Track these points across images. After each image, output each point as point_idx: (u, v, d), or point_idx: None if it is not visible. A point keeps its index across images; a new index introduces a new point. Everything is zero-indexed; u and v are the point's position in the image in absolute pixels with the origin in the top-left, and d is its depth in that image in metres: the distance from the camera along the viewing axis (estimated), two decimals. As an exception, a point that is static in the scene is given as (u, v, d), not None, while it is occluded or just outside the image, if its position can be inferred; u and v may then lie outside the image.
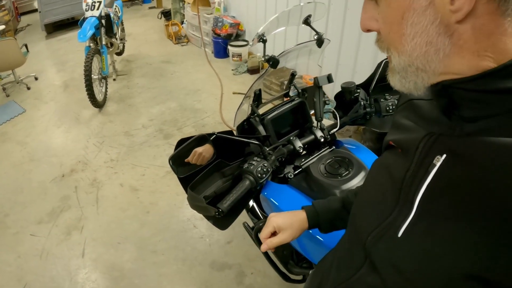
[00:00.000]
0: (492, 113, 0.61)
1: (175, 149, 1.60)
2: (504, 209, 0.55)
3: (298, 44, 2.18)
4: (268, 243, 1.18)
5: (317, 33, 2.03)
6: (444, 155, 0.67)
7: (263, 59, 2.01)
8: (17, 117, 5.17)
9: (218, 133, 1.58)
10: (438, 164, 0.67)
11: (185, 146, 1.57)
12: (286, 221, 1.20)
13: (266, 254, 2.09)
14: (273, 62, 1.92)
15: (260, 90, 1.96)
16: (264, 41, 1.98)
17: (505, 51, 0.58)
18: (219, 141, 1.59)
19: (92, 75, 4.80)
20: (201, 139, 1.57)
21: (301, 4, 2.13)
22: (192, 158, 1.59)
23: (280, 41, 5.52)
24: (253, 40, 2.03)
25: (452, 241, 0.62)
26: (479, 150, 0.61)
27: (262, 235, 1.21)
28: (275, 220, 1.20)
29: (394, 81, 0.70)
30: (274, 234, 1.22)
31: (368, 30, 0.72)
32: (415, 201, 0.70)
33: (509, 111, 0.59)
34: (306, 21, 2.05)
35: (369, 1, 0.70)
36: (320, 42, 2.05)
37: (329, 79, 1.92)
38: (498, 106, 0.60)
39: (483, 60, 0.59)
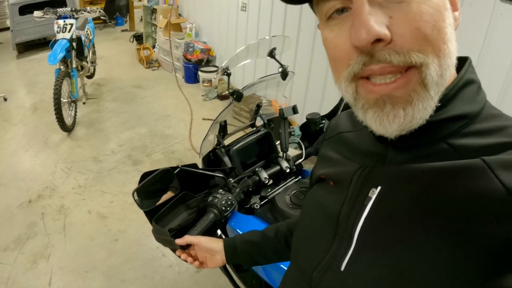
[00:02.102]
0: (428, 142, 0.65)
1: (139, 182, 1.62)
2: (442, 233, 0.57)
3: (262, 77, 2.27)
4: (194, 266, 1.28)
5: (281, 66, 2.11)
6: (379, 187, 0.68)
7: (227, 92, 2.07)
8: (-16, 139, 5.11)
9: (182, 166, 1.62)
10: (373, 197, 0.68)
11: (149, 179, 1.59)
12: (206, 253, 1.27)
13: (235, 285, 2.12)
14: (237, 95, 1.99)
15: (225, 121, 2.01)
16: (228, 75, 2.05)
17: (449, 78, 0.63)
18: (184, 174, 1.63)
19: (62, 99, 4.79)
20: (164, 173, 1.61)
21: (266, 37, 2.22)
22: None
23: (250, 71, 5.63)
24: (217, 73, 2.11)
25: (397, 270, 0.62)
26: (415, 177, 0.63)
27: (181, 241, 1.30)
28: (197, 252, 1.30)
29: (427, 104, 0.59)
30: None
31: (377, 39, 0.56)
32: (354, 234, 0.70)
33: (442, 139, 0.64)
34: (271, 54, 2.12)
35: (367, 6, 0.57)
36: (284, 74, 2.13)
37: (294, 110, 2.00)
38: (433, 135, 0.64)
39: None
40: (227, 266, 2.06)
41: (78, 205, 3.78)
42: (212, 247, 1.24)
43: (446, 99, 0.63)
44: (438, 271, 0.57)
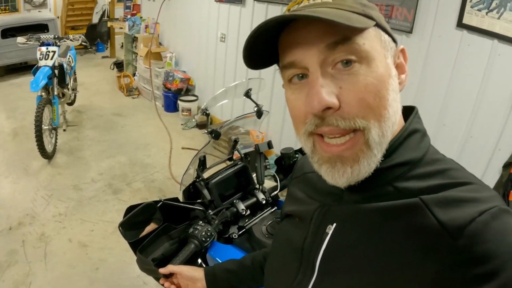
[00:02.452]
0: (376, 185, 0.74)
1: (124, 215, 1.72)
2: (387, 261, 0.67)
3: (238, 117, 2.42)
4: None
5: (257, 105, 2.27)
6: (335, 224, 0.78)
7: (206, 131, 2.21)
8: (-37, 164, 5.12)
9: (164, 200, 1.72)
10: (330, 232, 0.78)
11: (134, 213, 1.70)
12: (188, 281, 1.34)
13: None
14: (215, 134, 2.13)
15: (204, 156, 2.12)
16: (207, 115, 2.21)
17: (395, 130, 0.75)
18: (166, 207, 1.73)
19: (43, 125, 4.83)
20: (148, 206, 1.71)
21: (243, 80, 2.38)
22: None
23: (228, 104, 5.77)
24: (196, 115, 2.24)
25: None
26: (363, 215, 0.73)
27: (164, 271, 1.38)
28: (179, 279, 1.37)
29: (370, 162, 0.70)
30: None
31: (328, 107, 0.67)
32: (316, 264, 0.79)
33: (388, 182, 0.73)
34: (247, 94, 2.28)
35: (324, 77, 0.68)
36: (259, 113, 2.29)
37: (269, 145, 2.14)
38: (381, 180, 0.73)
39: None
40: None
41: (58, 233, 3.82)
42: (193, 275, 1.33)
43: (392, 149, 0.73)
44: None
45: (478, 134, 3.03)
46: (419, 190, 0.69)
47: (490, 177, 2.96)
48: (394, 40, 0.76)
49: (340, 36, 0.67)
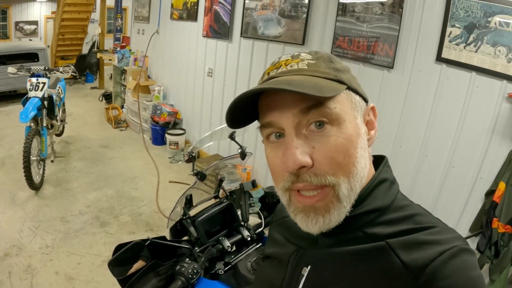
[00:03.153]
0: (348, 230, 0.80)
1: (113, 254, 1.81)
2: None
3: (223, 159, 2.53)
4: None
5: (240, 147, 2.38)
6: (309, 266, 0.84)
7: (192, 173, 2.32)
8: (-50, 193, 5.12)
9: (152, 239, 1.81)
10: (305, 274, 0.84)
11: (122, 251, 1.79)
12: None
13: None
14: (201, 176, 2.23)
15: (191, 195, 2.20)
16: (194, 158, 2.31)
17: (364, 181, 0.81)
18: (153, 245, 1.81)
19: (31, 156, 4.86)
20: (137, 245, 1.80)
21: (225, 125, 2.49)
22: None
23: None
24: (184, 157, 2.34)
25: None
26: (335, 258, 0.80)
27: None
28: None
29: (340, 213, 0.78)
30: None
31: (302, 166, 0.75)
32: None
33: (359, 228, 0.79)
34: (231, 136, 2.39)
35: (296, 137, 0.76)
36: (243, 155, 2.40)
37: (253, 184, 2.24)
38: (347, 226, 0.79)
39: None
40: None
41: (45, 266, 3.83)
42: None
43: (362, 198, 0.80)
44: None
45: (460, 163, 3.18)
46: (386, 235, 0.76)
47: (473, 205, 3.11)
48: (365, 99, 0.85)
49: (313, 101, 0.75)
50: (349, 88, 0.80)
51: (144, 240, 1.77)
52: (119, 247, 1.81)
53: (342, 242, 0.81)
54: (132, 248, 1.75)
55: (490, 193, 2.95)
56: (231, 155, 2.50)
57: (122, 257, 1.76)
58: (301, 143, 0.76)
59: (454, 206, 3.23)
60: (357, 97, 0.82)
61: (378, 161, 0.89)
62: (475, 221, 3.07)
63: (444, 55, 3.13)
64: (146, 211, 4.97)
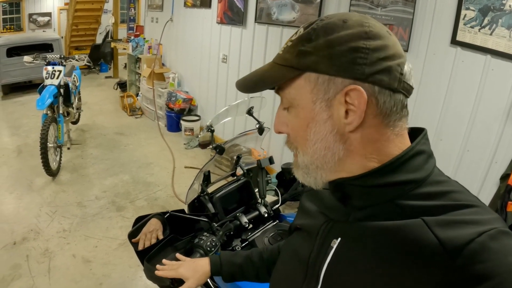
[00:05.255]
0: (375, 202, 0.77)
1: (133, 226, 1.80)
2: (389, 281, 0.70)
3: (241, 133, 2.50)
4: None
5: (258, 122, 2.35)
6: (339, 239, 0.81)
7: (211, 147, 2.29)
8: (-32, 180, 5.18)
9: (171, 211, 1.79)
10: (334, 247, 0.82)
11: (142, 223, 1.77)
12: (188, 271, 1.35)
13: None
14: (219, 149, 2.21)
15: (209, 171, 2.19)
16: (212, 131, 2.29)
17: (386, 153, 0.77)
18: (173, 218, 1.80)
19: (48, 143, 4.89)
20: (156, 217, 1.79)
21: (245, 99, 2.46)
22: (142, 243, 1.75)
23: (230, 122, 5.84)
24: (201, 132, 2.31)
25: None
26: (366, 233, 0.76)
27: (161, 273, 1.40)
28: (181, 271, 1.36)
29: (298, 175, 0.86)
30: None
31: (280, 132, 0.86)
32: (320, 276, 0.83)
33: (390, 200, 0.75)
34: (249, 112, 2.37)
35: (282, 109, 0.85)
36: (261, 130, 2.37)
37: (270, 160, 2.21)
38: (379, 197, 0.77)
39: (369, 161, 0.77)
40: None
41: (62, 249, 3.85)
42: (197, 263, 1.38)
43: (395, 166, 0.76)
44: None
45: (474, 147, 3.10)
46: (421, 209, 0.72)
47: (488, 189, 3.02)
48: (357, 78, 0.74)
49: (277, 86, 0.83)
50: (316, 70, 0.76)
51: (164, 213, 1.76)
52: (138, 219, 1.82)
53: (374, 215, 0.77)
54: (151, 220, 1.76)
55: (505, 177, 2.86)
56: (249, 129, 2.46)
57: (142, 229, 1.77)
58: (282, 115, 0.86)
59: (468, 190, 3.10)
60: (326, 77, 0.76)
61: (416, 133, 0.83)
62: (490, 205, 2.98)
63: (459, 38, 3.04)
64: (162, 196, 4.96)
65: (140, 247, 1.74)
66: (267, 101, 2.62)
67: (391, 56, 0.74)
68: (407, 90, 0.77)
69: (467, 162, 3.16)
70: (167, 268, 1.41)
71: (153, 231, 1.76)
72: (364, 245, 0.77)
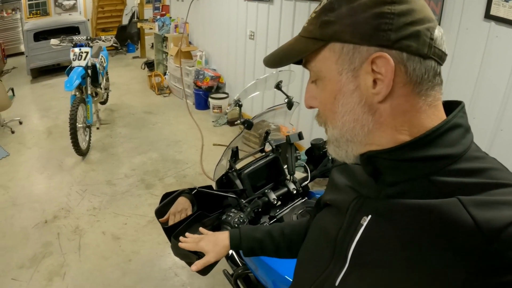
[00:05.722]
0: (408, 178, 0.73)
1: (160, 202, 1.75)
2: (421, 262, 0.66)
3: (269, 108, 2.42)
4: (197, 265, 1.31)
5: (287, 96, 2.27)
6: (370, 216, 0.78)
7: (239, 121, 2.22)
8: (1, 160, 5.27)
9: (199, 187, 1.74)
10: (364, 224, 0.78)
11: (169, 199, 1.73)
12: (209, 245, 1.33)
13: None
14: (248, 124, 2.14)
15: (237, 147, 2.14)
16: (240, 106, 2.22)
17: (419, 125, 0.72)
18: (200, 194, 1.75)
19: (77, 124, 4.92)
20: (184, 193, 1.74)
21: (273, 72, 2.37)
22: (172, 220, 1.70)
23: (259, 99, 5.76)
24: (229, 105, 2.24)
25: (380, 286, 0.73)
26: (398, 211, 0.72)
27: (183, 245, 1.38)
28: (201, 245, 1.34)
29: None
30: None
31: (310, 107, 0.84)
32: (348, 255, 0.80)
33: (424, 176, 0.71)
34: (278, 86, 2.28)
35: (311, 83, 0.82)
36: (290, 104, 2.29)
37: (300, 136, 2.13)
38: (412, 172, 0.72)
39: (400, 134, 0.72)
40: (239, 283, 2.16)
41: (92, 226, 3.87)
42: (217, 237, 1.35)
43: (428, 140, 0.71)
44: None
45: (508, 127, 2.95)
46: (456, 186, 0.68)
47: None
48: (384, 45, 0.70)
49: (304, 59, 0.81)
50: (340, 40, 0.73)
51: (191, 189, 1.73)
52: (166, 195, 1.78)
53: (406, 192, 0.73)
54: (179, 196, 1.73)
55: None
56: (278, 104, 2.38)
57: (169, 207, 1.73)
58: (311, 89, 0.83)
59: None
60: (351, 46, 0.72)
61: (452, 107, 0.78)
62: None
63: (493, 12, 2.85)
64: (191, 173, 4.94)
65: (170, 223, 1.70)
66: (296, 75, 2.52)
67: (419, 20, 0.70)
68: (440, 56, 0.72)
69: (500, 142, 3.02)
70: (189, 241, 1.38)
71: (181, 211, 1.72)
72: (395, 224, 0.73)
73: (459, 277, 0.61)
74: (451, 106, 0.77)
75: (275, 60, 0.84)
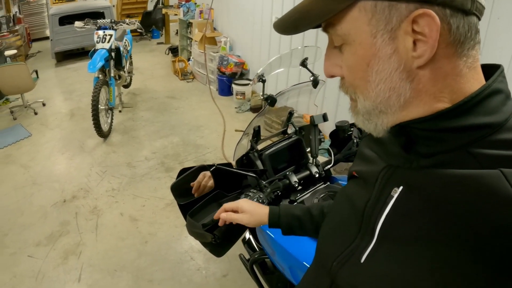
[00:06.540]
0: (445, 149, 0.66)
1: (177, 177, 1.69)
2: (455, 237, 0.60)
3: (294, 85, 2.31)
4: (226, 215, 1.28)
5: (312, 74, 2.16)
6: (401, 187, 0.71)
7: (261, 97, 2.13)
8: (23, 140, 5.32)
9: (217, 165, 1.66)
10: (395, 196, 0.72)
11: (186, 175, 1.66)
12: (250, 207, 1.29)
13: (261, 287, 2.13)
14: (271, 100, 2.03)
15: (259, 126, 2.04)
16: (264, 81, 2.14)
17: (458, 91, 0.65)
18: (218, 173, 1.67)
19: (99, 106, 4.92)
20: (201, 170, 1.66)
21: (299, 47, 2.27)
22: (196, 189, 1.66)
23: (283, 82, 5.67)
24: (252, 80, 2.15)
25: (410, 265, 0.66)
26: (433, 182, 0.66)
27: (226, 206, 1.31)
28: (242, 202, 1.30)
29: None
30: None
31: (332, 76, 0.76)
32: (376, 229, 0.74)
33: (462, 147, 0.64)
34: (303, 63, 2.18)
35: (332, 49, 0.73)
36: (315, 83, 2.18)
37: (324, 117, 2.03)
38: (450, 143, 0.65)
39: (439, 101, 0.65)
40: (255, 268, 2.08)
41: (110, 207, 3.85)
42: (256, 208, 1.31)
43: (467, 107, 0.64)
44: (447, 271, 0.61)
45: None
46: (498, 159, 0.60)
47: None
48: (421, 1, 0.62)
49: (324, 23, 0.71)
50: None
51: (210, 166, 1.65)
52: (183, 170, 1.72)
53: (442, 163, 0.66)
54: (196, 174, 1.67)
55: None
56: (303, 82, 2.29)
57: (186, 185, 1.68)
58: (334, 55, 0.73)
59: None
60: (385, 3, 0.63)
61: (491, 70, 0.70)
62: None
63: None
64: (211, 158, 4.87)
65: (195, 193, 1.68)
66: (322, 51, 2.41)
67: None
68: (480, 11, 0.65)
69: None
70: (228, 208, 1.32)
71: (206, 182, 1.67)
72: (429, 196, 0.66)
73: (497, 251, 0.56)
74: (489, 70, 0.69)
75: (289, 25, 0.73)
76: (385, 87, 0.67)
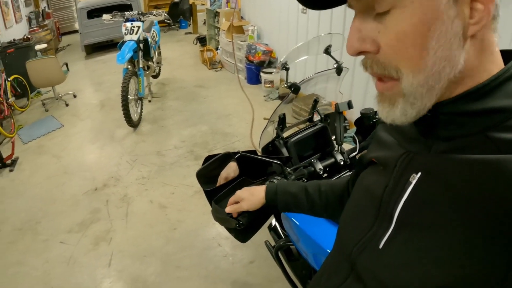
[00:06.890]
0: (466, 133, 0.64)
1: (203, 164, 1.69)
2: (473, 223, 0.58)
3: (317, 73, 2.29)
4: (230, 208, 1.31)
5: (336, 62, 2.15)
6: (419, 173, 0.69)
7: (285, 85, 2.11)
8: (55, 131, 5.44)
9: (242, 152, 1.66)
10: (413, 182, 0.70)
11: (211, 162, 1.66)
12: (246, 193, 1.31)
13: (286, 273, 2.12)
14: (294, 88, 2.03)
15: (284, 114, 2.04)
16: (287, 69, 2.13)
17: (487, 70, 0.62)
18: (244, 159, 1.67)
19: (129, 96, 4.98)
20: (227, 157, 1.65)
21: (322, 35, 2.24)
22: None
23: (311, 67, 5.62)
24: (276, 68, 2.14)
25: (428, 251, 0.64)
26: (452, 167, 0.64)
27: (230, 200, 1.35)
28: (238, 192, 1.32)
29: (396, 111, 0.66)
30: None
31: (360, 53, 0.66)
32: (394, 215, 0.73)
33: (481, 131, 0.62)
34: (327, 51, 2.17)
35: (364, 19, 0.65)
36: (339, 70, 2.16)
37: (349, 105, 2.01)
38: (470, 127, 0.63)
39: (461, 83, 0.63)
40: (280, 255, 2.07)
41: (140, 195, 3.89)
42: (254, 189, 1.32)
43: (486, 90, 0.62)
44: (466, 257, 0.59)
45: None
46: None
47: None
48: None
49: None
50: None
51: (235, 153, 1.65)
52: (208, 157, 1.72)
53: (460, 148, 0.64)
54: (221, 161, 1.66)
55: None
56: (327, 69, 2.26)
57: (211, 172, 1.68)
58: (365, 26, 0.64)
59: None
60: None
61: (507, 55, 0.67)
62: None
63: None
64: (240, 146, 4.86)
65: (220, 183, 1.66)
66: (345, 39, 2.38)
67: None
68: None
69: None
70: (231, 201, 1.35)
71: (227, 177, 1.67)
72: (447, 182, 0.64)
73: None
74: (506, 55, 0.66)
75: None
76: (442, 55, 0.60)
